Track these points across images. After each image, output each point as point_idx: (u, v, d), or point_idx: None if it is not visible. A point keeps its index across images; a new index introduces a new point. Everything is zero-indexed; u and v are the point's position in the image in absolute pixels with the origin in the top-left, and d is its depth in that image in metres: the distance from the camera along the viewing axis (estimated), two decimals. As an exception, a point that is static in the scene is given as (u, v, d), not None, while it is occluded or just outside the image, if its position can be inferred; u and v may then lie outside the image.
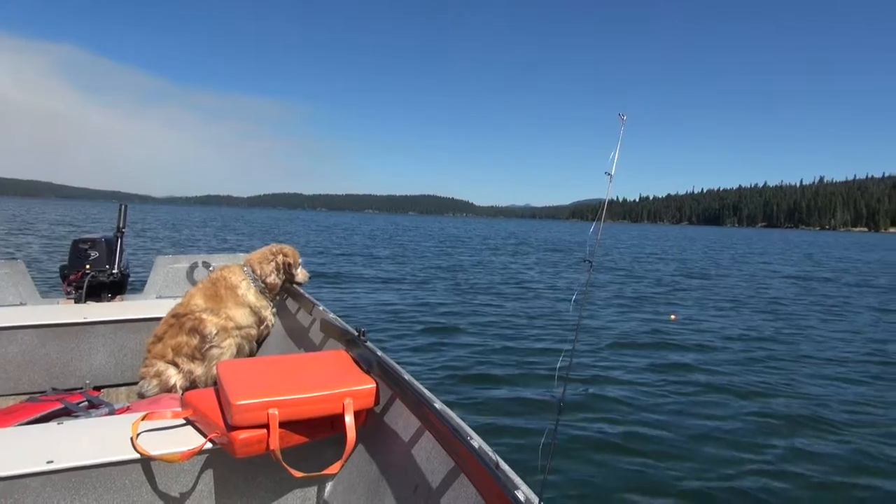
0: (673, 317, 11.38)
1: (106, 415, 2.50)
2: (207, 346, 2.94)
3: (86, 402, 2.73)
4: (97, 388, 3.36)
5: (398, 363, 2.11)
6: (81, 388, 3.23)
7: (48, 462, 1.78)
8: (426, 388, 1.88)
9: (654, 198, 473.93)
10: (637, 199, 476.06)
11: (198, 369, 2.93)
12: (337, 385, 2.09)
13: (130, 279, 4.36)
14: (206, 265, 4.36)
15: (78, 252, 4.09)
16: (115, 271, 4.10)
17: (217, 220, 72.05)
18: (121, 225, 4.38)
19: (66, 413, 2.60)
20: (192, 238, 32.36)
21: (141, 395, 2.91)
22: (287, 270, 3.37)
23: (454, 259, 25.29)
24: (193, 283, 4.23)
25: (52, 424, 2.15)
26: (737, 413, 5.65)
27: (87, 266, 4.04)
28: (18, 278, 3.92)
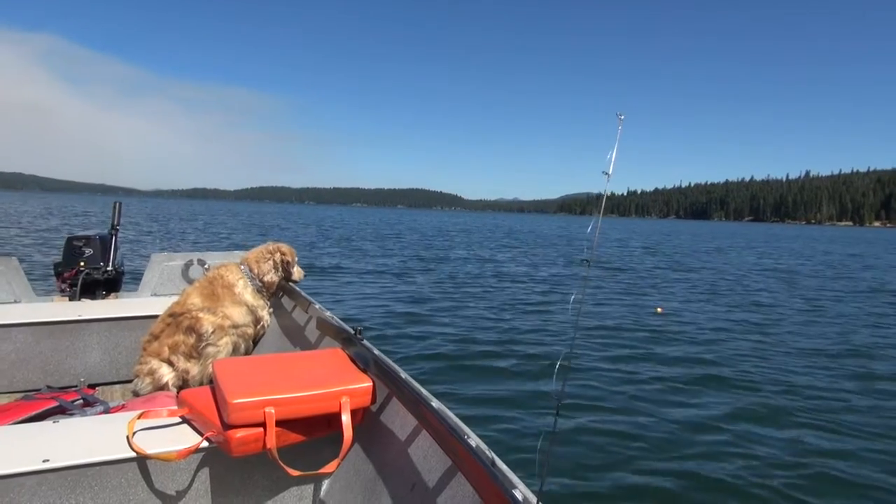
0: (659, 309, 11.53)
1: (101, 413, 2.51)
2: (204, 344, 2.96)
3: (81, 401, 2.73)
4: (92, 386, 3.36)
5: (394, 361, 2.10)
6: (76, 386, 3.23)
7: (44, 461, 1.78)
8: (423, 386, 1.88)
9: (643, 192, 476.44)
10: (625, 193, 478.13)
11: (194, 368, 2.95)
12: (333, 384, 2.09)
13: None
14: (202, 263, 4.36)
15: (72, 249, 4.08)
16: (109, 269, 4.10)
17: (205, 214, 71.51)
18: (115, 222, 4.38)
19: (62, 411, 2.61)
20: (181, 233, 32.13)
21: (135, 393, 2.94)
22: (285, 269, 3.39)
23: (441, 252, 25.35)
24: (189, 280, 4.23)
25: (48, 423, 2.15)
26: (732, 403, 5.80)
27: (82, 263, 4.03)
28: (12, 275, 3.91)
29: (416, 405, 1.80)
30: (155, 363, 2.94)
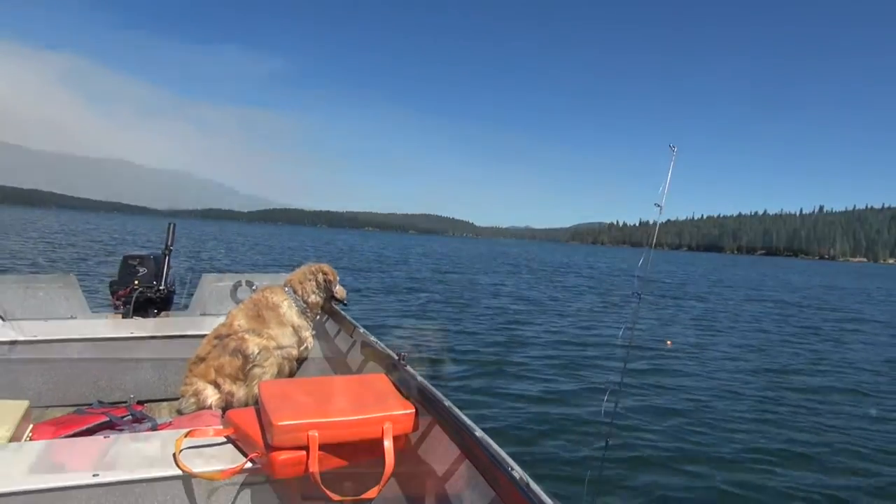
0: (669, 343, 11.82)
1: (149, 430, 2.60)
2: (250, 366, 3.02)
3: (130, 416, 2.83)
4: (141, 403, 3.43)
5: (438, 389, 2.11)
6: (126, 403, 3.33)
7: (94, 475, 1.84)
8: (466, 414, 1.87)
9: (655, 223, 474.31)
10: (637, 224, 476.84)
11: (239, 391, 3.01)
12: (377, 409, 2.12)
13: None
14: (250, 284, 4.45)
15: (127, 268, 4.21)
16: (161, 288, 4.21)
17: (221, 236, 71.99)
18: (168, 242, 4.50)
19: (111, 426, 2.70)
20: (195, 253, 32.40)
21: (180, 412, 3.03)
22: (327, 288, 3.44)
23: (462, 276, 25.43)
24: (237, 301, 4.32)
25: (98, 438, 2.21)
26: (777, 436, 5.91)
27: (136, 282, 4.15)
28: (70, 291, 4.04)
29: (459, 433, 1.79)
30: (200, 384, 3.00)
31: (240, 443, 2.12)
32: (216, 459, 2.01)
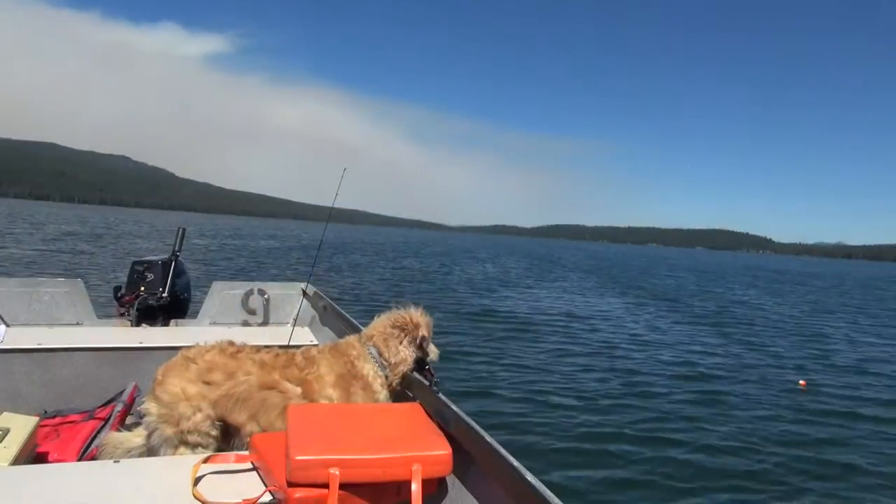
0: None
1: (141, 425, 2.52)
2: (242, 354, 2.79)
3: (132, 415, 2.89)
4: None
5: (477, 420, 1.96)
6: (125, 403, 3.25)
7: None
8: (511, 452, 1.70)
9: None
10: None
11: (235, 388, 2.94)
12: (406, 447, 1.97)
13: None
14: (262, 293, 4.26)
15: (135, 274, 4.08)
16: (165, 295, 4.07)
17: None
18: (177, 248, 4.36)
19: (111, 427, 2.73)
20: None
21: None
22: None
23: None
24: (249, 310, 4.16)
25: (108, 462, 2.16)
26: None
27: (142, 288, 4.02)
28: (77, 298, 3.91)
29: (504, 476, 1.64)
30: (191, 387, 2.89)
31: (261, 471, 2.01)
32: (235, 488, 1.90)
